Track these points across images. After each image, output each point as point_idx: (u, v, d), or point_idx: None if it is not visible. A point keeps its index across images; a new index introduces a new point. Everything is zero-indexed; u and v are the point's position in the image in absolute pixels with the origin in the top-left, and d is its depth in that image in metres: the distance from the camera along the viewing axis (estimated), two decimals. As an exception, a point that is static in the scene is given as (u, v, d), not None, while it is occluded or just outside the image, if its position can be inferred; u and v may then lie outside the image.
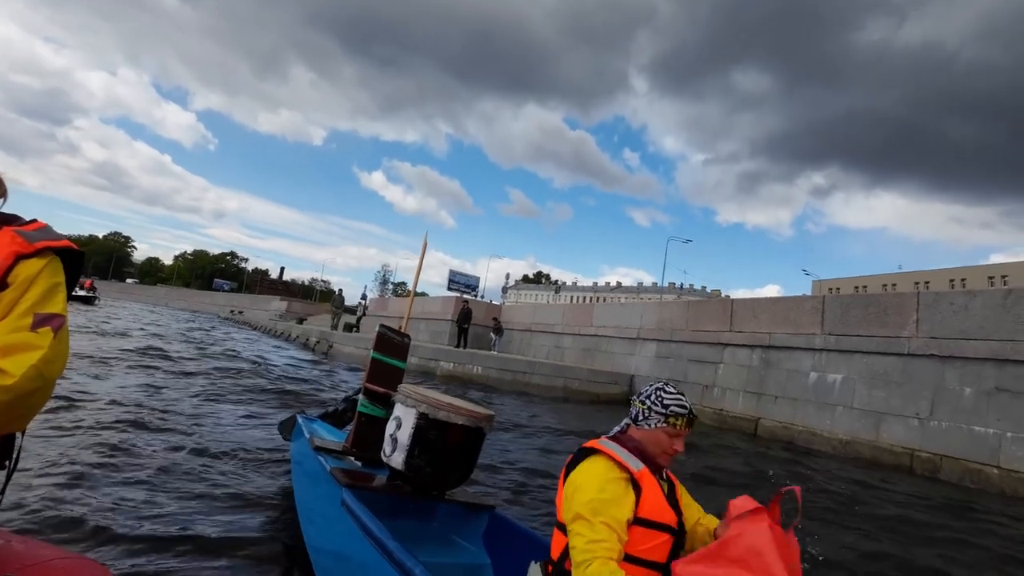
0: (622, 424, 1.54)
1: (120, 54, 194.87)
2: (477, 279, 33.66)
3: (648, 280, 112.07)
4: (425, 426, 2.21)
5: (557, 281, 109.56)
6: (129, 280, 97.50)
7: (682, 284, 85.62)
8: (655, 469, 1.44)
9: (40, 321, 0.97)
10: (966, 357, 7.05)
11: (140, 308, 40.59)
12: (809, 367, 9.09)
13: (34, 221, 1.11)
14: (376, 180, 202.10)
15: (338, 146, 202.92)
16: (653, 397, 1.50)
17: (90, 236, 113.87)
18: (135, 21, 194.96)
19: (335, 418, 3.59)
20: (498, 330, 18.14)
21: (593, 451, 1.43)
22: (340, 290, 20.53)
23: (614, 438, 1.50)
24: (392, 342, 3.31)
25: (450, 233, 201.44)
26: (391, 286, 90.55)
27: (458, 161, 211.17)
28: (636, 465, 1.38)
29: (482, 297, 37.26)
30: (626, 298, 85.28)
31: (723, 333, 10.97)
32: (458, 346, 16.38)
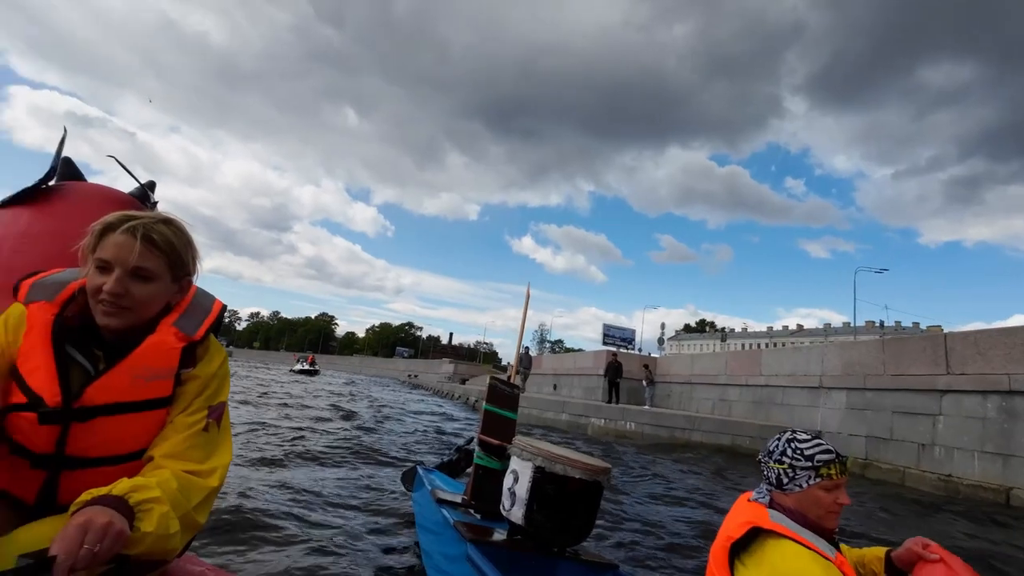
0: (762, 493, 1.30)
1: (321, 169, 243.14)
2: (632, 332, 32.59)
3: (837, 320, 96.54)
4: (542, 480, 2.22)
5: (724, 328, 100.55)
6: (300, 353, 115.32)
7: (882, 322, 71.70)
8: (829, 539, 1.21)
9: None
10: None
11: (337, 374, 47.57)
12: (1082, 418, 6.68)
13: (185, 295, 1.13)
14: (526, 244, 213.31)
15: (490, 218, 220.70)
16: (789, 451, 1.26)
17: (305, 318, 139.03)
18: (330, 141, 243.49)
19: (449, 468, 3.69)
20: (650, 381, 17.08)
21: (773, 534, 1.15)
22: (527, 348, 20.84)
23: (775, 508, 1.25)
24: (503, 393, 3.33)
25: (601, 287, 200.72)
26: (548, 344, 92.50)
27: (602, 215, 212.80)
28: (830, 551, 1.15)
29: (639, 350, 35.76)
30: (810, 342, 74.09)
31: (938, 377, 8.74)
32: (609, 401, 15.74)
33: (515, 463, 2.33)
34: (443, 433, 10.25)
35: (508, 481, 2.33)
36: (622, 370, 16.58)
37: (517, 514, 2.23)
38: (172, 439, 1.00)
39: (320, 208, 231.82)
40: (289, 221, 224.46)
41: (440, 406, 19.33)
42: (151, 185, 2.43)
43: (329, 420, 10.33)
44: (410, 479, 3.83)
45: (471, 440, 4.12)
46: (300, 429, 8.46)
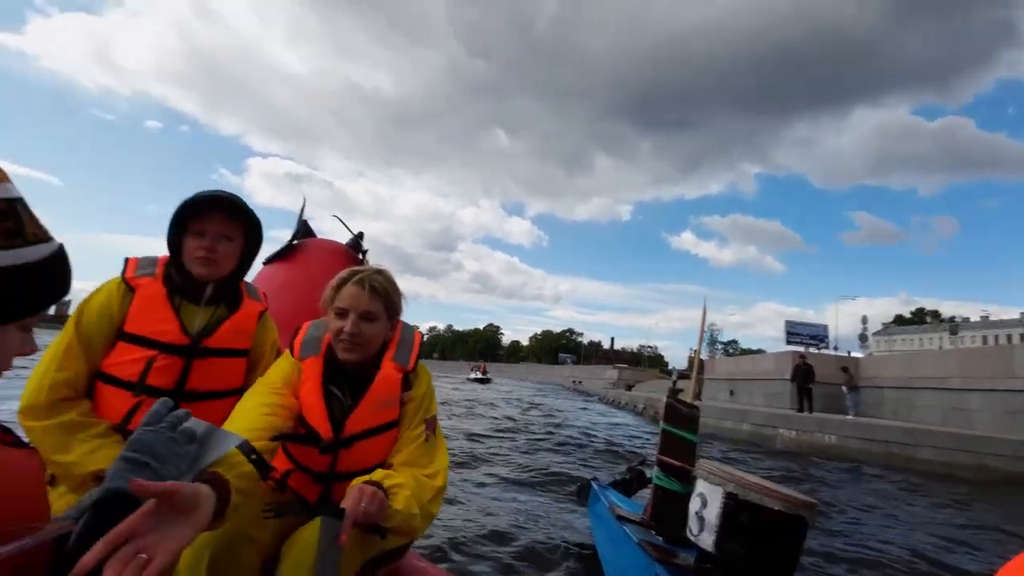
0: None
1: (479, 191, 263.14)
2: (824, 328, 28.38)
3: None
4: (734, 507, 2.10)
5: (953, 318, 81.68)
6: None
7: None
8: None
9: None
10: None
11: (506, 381, 50.24)
12: None
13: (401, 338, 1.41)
14: (686, 240, 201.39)
15: (644, 216, 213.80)
16: None
17: (474, 329, 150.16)
18: (485, 164, 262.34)
19: (623, 487, 3.67)
20: (852, 386, 14.61)
21: None
22: (696, 351, 20.01)
23: None
24: (681, 413, 3.21)
25: (779, 279, 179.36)
26: (720, 346, 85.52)
27: (774, 199, 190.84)
28: None
29: (835, 349, 30.88)
30: (1094, 330, 55.95)
31: None
32: (800, 410, 13.87)
33: (702, 486, 2.23)
34: (612, 445, 10.12)
35: (695, 505, 2.24)
36: (813, 373, 14.48)
37: (707, 540, 2.12)
38: (403, 451, 1.30)
39: (480, 226, 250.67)
40: (455, 241, 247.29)
41: (607, 414, 19.15)
42: (360, 235, 2.89)
43: (503, 428, 10.96)
44: (584, 494, 3.90)
45: (643, 460, 4.12)
46: (478, 435, 9.13)
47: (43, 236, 0.64)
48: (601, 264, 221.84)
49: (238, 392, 1.37)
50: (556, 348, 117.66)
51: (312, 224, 2.83)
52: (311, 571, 1.04)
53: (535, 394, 29.45)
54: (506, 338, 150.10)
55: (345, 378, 1.30)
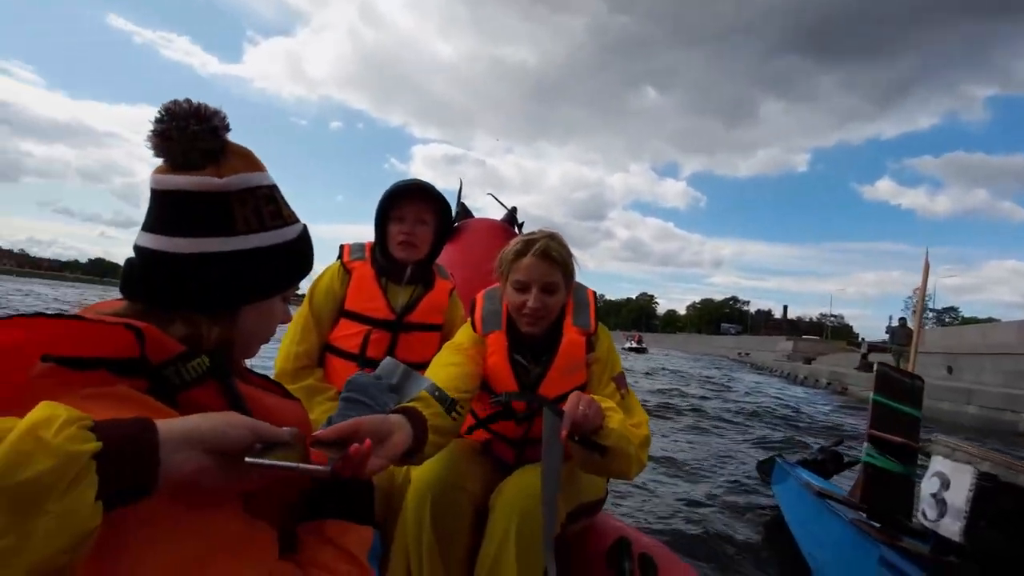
0: None
1: (628, 155, 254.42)
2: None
3: None
4: (993, 490, 1.79)
5: None
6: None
7: None
8: None
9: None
10: None
11: (664, 351, 48.48)
12: None
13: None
14: (883, 189, 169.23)
15: (826, 165, 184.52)
16: None
17: (627, 298, 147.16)
18: (632, 126, 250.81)
19: (814, 467, 3.35)
20: None
21: None
22: (903, 319, 16.85)
23: None
24: (899, 384, 2.83)
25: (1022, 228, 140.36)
26: (931, 313, 71.05)
27: (1015, 128, 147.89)
28: None
29: (1113, 316, 23.39)
30: None
31: None
32: (1059, 393, 10.97)
33: (941, 465, 1.96)
34: (793, 420, 9.25)
35: (931, 486, 1.96)
36: (1080, 348, 11.30)
37: (951, 528, 1.83)
38: None
39: (630, 191, 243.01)
40: (604, 209, 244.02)
41: (784, 388, 17.47)
42: (514, 210, 2.99)
43: (672, 398, 10.74)
44: (767, 470, 3.67)
45: (839, 440, 3.71)
46: (645, 403, 9.09)
47: (294, 217, 0.72)
48: (770, 224, 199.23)
49: None
50: (718, 317, 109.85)
51: (466, 201, 2.95)
52: (518, 519, 1.10)
53: (694, 365, 27.99)
54: (661, 307, 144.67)
55: (528, 347, 1.31)
